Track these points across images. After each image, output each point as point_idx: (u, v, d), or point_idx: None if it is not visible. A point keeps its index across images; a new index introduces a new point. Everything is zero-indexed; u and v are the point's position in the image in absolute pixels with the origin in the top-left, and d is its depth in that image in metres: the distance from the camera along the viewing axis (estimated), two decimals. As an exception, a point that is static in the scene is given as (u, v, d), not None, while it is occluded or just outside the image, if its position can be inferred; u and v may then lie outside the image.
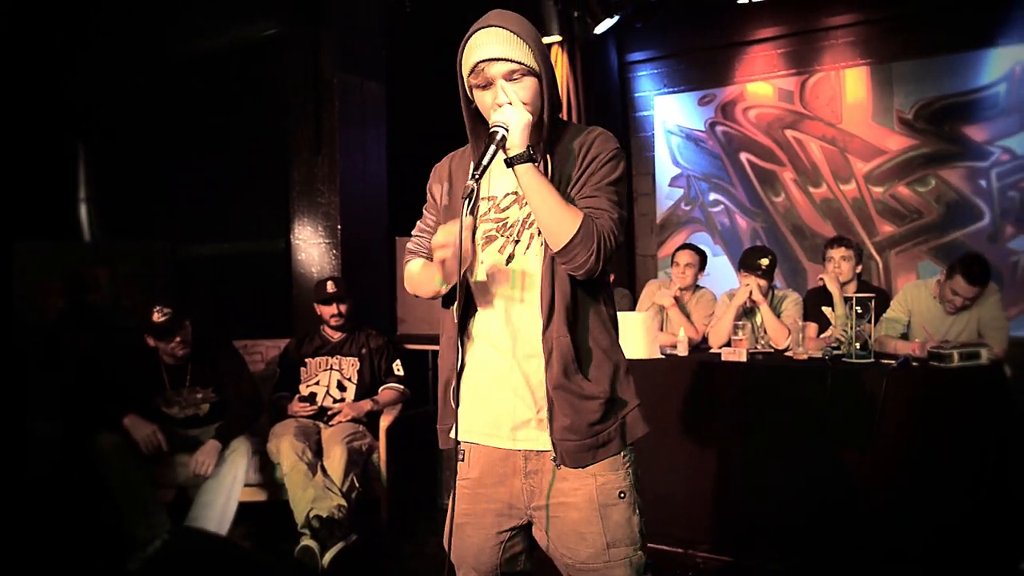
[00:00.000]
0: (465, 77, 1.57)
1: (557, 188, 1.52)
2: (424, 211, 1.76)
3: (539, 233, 1.54)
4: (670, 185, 6.49)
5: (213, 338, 3.49)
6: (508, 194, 1.61)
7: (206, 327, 3.52)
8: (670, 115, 6.46)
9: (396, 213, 4.66)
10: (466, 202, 1.45)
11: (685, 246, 4.14)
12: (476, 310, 1.62)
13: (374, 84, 4.60)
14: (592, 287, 1.58)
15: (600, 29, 5.54)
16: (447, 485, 3.98)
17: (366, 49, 4.57)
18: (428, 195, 1.75)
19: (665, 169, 6.50)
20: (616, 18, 5.51)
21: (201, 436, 3.28)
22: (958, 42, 5.23)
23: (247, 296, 5.86)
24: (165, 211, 6.46)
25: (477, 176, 1.44)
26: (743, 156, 6.13)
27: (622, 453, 1.58)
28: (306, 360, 3.69)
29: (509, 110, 1.47)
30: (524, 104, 1.50)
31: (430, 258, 1.61)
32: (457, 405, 1.63)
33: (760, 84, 6.04)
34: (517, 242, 1.57)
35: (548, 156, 1.57)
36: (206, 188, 6.18)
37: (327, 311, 3.67)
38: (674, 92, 6.46)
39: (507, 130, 1.45)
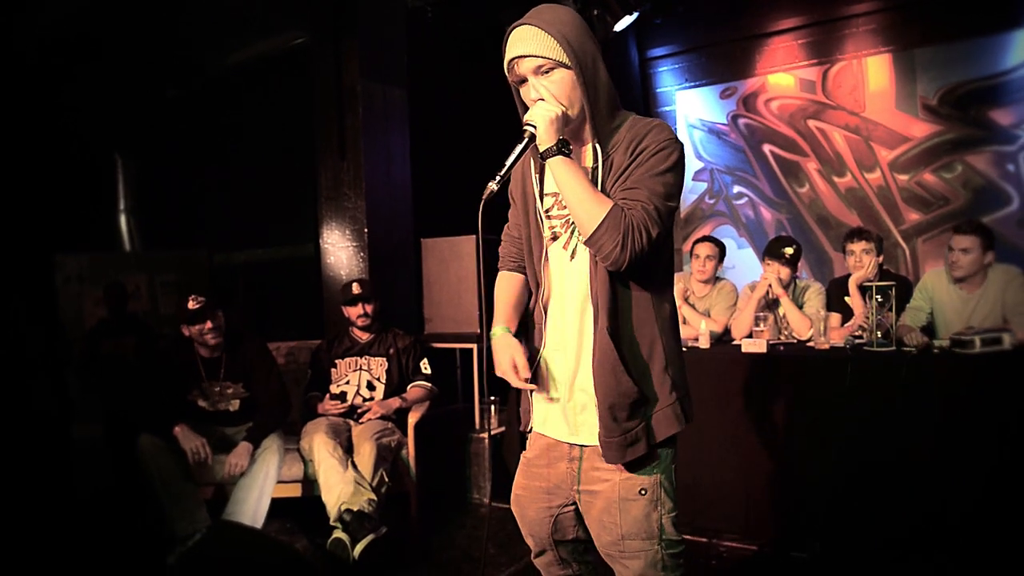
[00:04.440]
0: (507, 76, 1.62)
1: (608, 178, 1.55)
2: (509, 215, 1.87)
3: None
4: (694, 179, 6.50)
5: (247, 335, 3.61)
6: None
7: (241, 325, 3.64)
8: (692, 109, 6.47)
9: (421, 215, 4.76)
10: (482, 203, 1.51)
11: (704, 239, 4.14)
12: (550, 303, 1.69)
13: (397, 90, 4.70)
14: (645, 279, 1.58)
15: (620, 26, 5.54)
16: (476, 480, 4.08)
17: (388, 57, 4.66)
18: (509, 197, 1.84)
19: (688, 163, 6.50)
20: (635, 15, 5.51)
21: (235, 436, 3.40)
22: (980, 26, 5.17)
23: (280, 299, 6.03)
24: (201, 220, 6.66)
25: (500, 177, 1.50)
26: (766, 148, 6.12)
27: (654, 453, 1.60)
28: (336, 362, 3.79)
29: (538, 107, 1.52)
30: (555, 97, 1.53)
31: (514, 269, 1.84)
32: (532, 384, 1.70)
33: (781, 75, 6.02)
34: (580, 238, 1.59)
35: (597, 146, 1.58)
36: (239, 196, 6.37)
37: (354, 312, 3.76)
38: (695, 86, 6.47)
39: (535, 127, 1.50)
